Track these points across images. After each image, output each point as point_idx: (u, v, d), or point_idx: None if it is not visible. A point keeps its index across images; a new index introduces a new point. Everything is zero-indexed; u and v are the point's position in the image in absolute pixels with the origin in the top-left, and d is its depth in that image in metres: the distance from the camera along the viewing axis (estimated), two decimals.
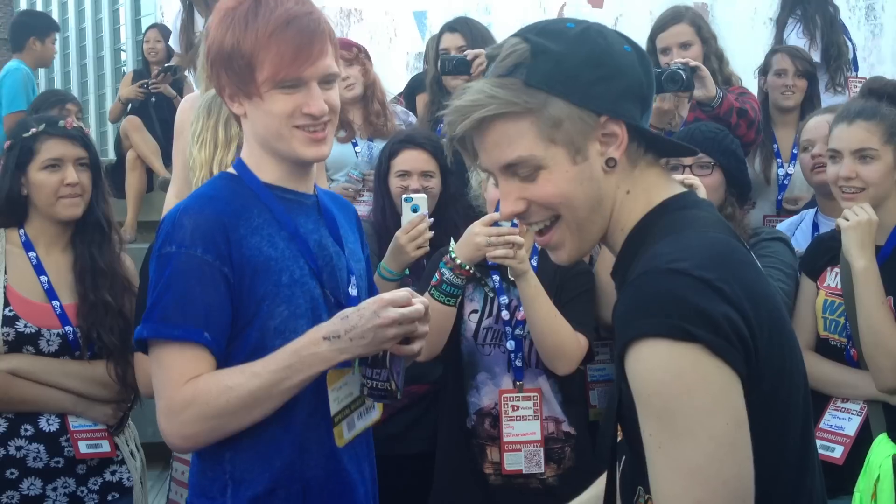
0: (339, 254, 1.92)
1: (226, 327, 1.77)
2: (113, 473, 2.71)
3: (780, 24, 4.83)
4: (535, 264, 2.73)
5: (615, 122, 1.34)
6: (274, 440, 1.80)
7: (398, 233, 2.82)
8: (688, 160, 2.82)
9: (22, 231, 2.71)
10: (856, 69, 4.92)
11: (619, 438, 1.44)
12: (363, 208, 3.75)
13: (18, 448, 2.58)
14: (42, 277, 2.66)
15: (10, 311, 2.59)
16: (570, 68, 1.32)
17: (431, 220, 2.84)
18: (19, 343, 2.59)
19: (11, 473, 2.57)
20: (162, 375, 1.76)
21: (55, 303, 2.65)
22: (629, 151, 1.36)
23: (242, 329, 1.79)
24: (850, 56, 4.84)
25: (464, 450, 2.79)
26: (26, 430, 2.60)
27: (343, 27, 8.50)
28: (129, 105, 6.64)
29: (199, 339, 1.74)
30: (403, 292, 1.80)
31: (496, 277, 2.80)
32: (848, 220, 2.59)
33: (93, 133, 6.35)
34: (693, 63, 3.42)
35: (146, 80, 6.42)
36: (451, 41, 3.96)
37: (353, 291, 1.93)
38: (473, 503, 2.76)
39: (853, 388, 2.63)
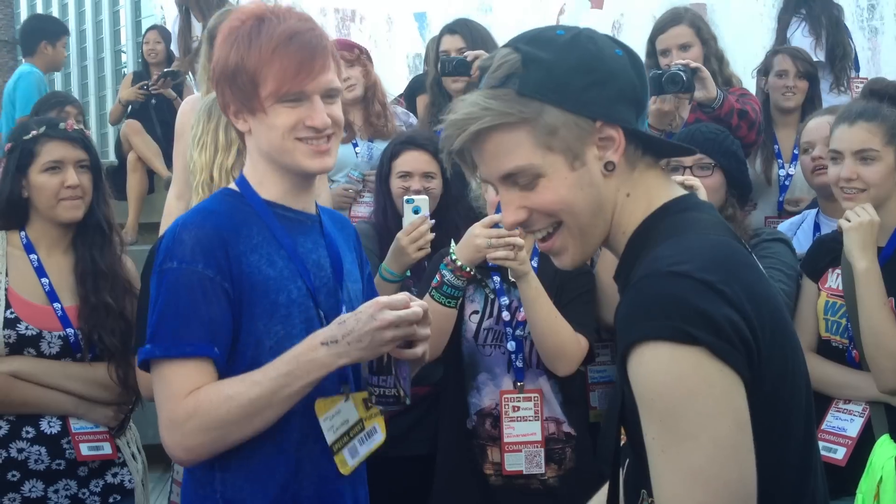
0: (337, 275, 1.93)
1: (228, 341, 1.78)
2: (114, 475, 2.71)
3: (784, 23, 4.82)
4: (535, 265, 2.73)
5: (611, 125, 1.34)
6: (266, 462, 1.80)
7: (399, 234, 2.82)
8: (688, 161, 2.82)
9: (23, 233, 2.71)
10: (857, 70, 4.91)
11: (622, 442, 1.44)
12: (363, 209, 3.76)
13: (20, 450, 2.58)
14: (43, 280, 2.66)
15: (12, 313, 2.60)
16: (562, 75, 1.32)
17: (433, 221, 2.84)
18: (21, 345, 2.59)
19: (13, 476, 2.57)
20: (164, 389, 1.76)
21: (56, 305, 2.65)
22: (627, 154, 1.37)
23: (237, 346, 1.79)
24: (853, 57, 4.83)
25: (464, 450, 2.79)
26: (28, 433, 2.60)
27: (343, 29, 8.51)
28: (130, 107, 6.64)
29: (209, 353, 1.75)
30: (401, 296, 1.80)
31: (497, 278, 2.80)
32: (849, 221, 2.59)
33: (93, 135, 6.35)
34: (694, 64, 3.42)
35: (146, 82, 6.42)
36: (451, 43, 3.96)
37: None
38: None
39: (855, 390, 2.63)
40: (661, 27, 3.89)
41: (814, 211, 3.37)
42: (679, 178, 2.59)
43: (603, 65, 1.34)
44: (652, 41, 3.91)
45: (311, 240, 1.91)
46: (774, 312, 1.30)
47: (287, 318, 1.80)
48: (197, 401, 1.73)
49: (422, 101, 4.54)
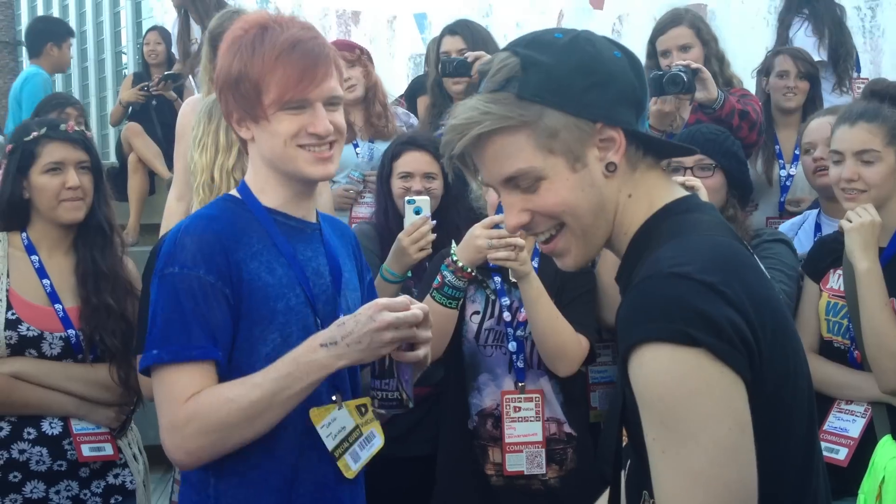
0: (336, 283, 1.93)
1: (229, 346, 1.78)
2: (116, 476, 2.71)
3: (786, 23, 4.80)
4: (535, 265, 2.73)
5: (611, 127, 1.35)
6: (259, 468, 1.80)
7: (400, 235, 2.82)
8: (689, 162, 2.82)
9: (24, 234, 2.71)
10: (858, 71, 4.91)
11: (623, 443, 1.44)
12: (364, 209, 3.76)
13: (21, 451, 2.58)
14: (44, 281, 2.66)
15: (13, 314, 2.60)
16: (562, 78, 1.33)
17: (434, 222, 2.84)
18: (22, 346, 2.60)
19: (14, 477, 2.57)
20: (165, 393, 1.77)
21: (58, 306, 2.65)
22: (628, 155, 1.37)
23: (234, 352, 1.79)
24: (855, 57, 4.83)
25: (466, 451, 2.79)
26: (29, 434, 2.60)
27: (344, 30, 8.51)
28: (130, 108, 6.65)
29: (214, 355, 1.76)
30: (401, 298, 1.81)
31: (497, 279, 2.80)
32: (851, 221, 2.59)
33: (94, 136, 6.36)
34: (694, 65, 3.43)
35: (147, 84, 6.43)
36: (452, 44, 3.96)
37: None
38: None
39: (857, 390, 2.63)
40: (661, 28, 3.90)
41: (815, 211, 3.37)
42: (680, 178, 2.59)
43: (602, 66, 1.34)
44: (652, 42, 3.91)
45: (311, 248, 1.92)
46: (776, 313, 1.30)
47: (285, 325, 1.81)
48: (197, 404, 1.73)
49: (422, 102, 4.54)
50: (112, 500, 2.70)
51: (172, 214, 3.29)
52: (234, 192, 1.95)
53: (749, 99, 3.70)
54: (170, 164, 5.65)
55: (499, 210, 2.63)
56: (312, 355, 1.74)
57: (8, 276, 2.64)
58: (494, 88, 1.35)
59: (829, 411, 2.65)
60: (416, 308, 1.79)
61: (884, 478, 2.32)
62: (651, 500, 1.30)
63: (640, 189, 1.39)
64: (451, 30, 4.03)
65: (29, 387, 2.59)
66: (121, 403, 2.72)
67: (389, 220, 3.12)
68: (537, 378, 2.77)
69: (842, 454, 2.57)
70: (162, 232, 3.47)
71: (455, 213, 3.09)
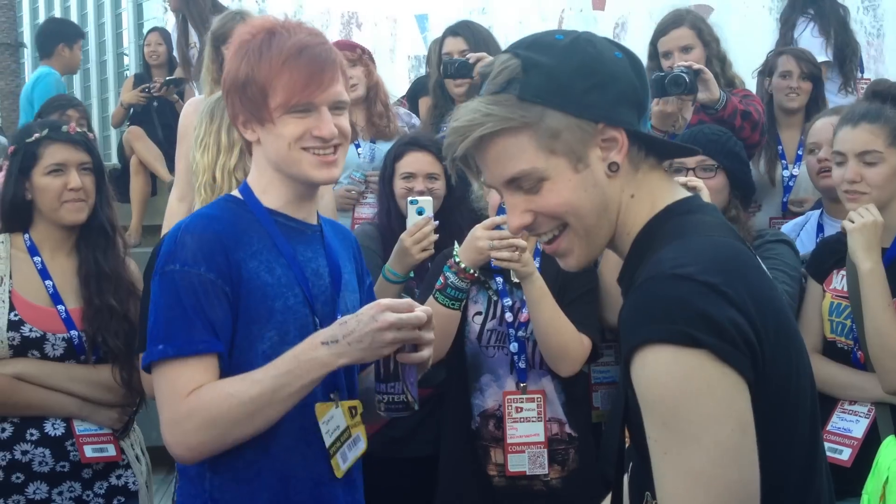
0: (335, 284, 1.94)
1: (229, 343, 1.80)
2: (118, 477, 2.71)
3: (790, 23, 4.79)
4: (537, 265, 2.73)
5: (613, 127, 1.35)
6: (253, 464, 1.81)
7: (403, 235, 2.82)
8: (691, 163, 2.82)
9: (27, 236, 2.71)
10: (861, 71, 4.90)
11: (626, 444, 1.44)
12: (367, 210, 3.76)
13: (24, 452, 2.58)
14: (47, 282, 2.66)
15: (16, 315, 2.60)
16: (563, 79, 1.33)
17: (436, 222, 2.84)
18: (25, 347, 2.60)
19: (17, 478, 2.57)
20: (167, 388, 1.78)
21: (60, 307, 2.65)
22: (630, 155, 1.37)
23: (233, 349, 1.80)
24: (860, 58, 4.82)
25: (468, 451, 2.79)
26: (32, 435, 2.60)
27: (345, 31, 8.51)
28: (132, 109, 6.65)
29: (217, 348, 1.77)
30: (404, 300, 1.81)
31: (499, 279, 2.80)
32: (853, 222, 2.59)
33: (97, 137, 6.37)
34: (696, 66, 3.42)
35: (148, 85, 6.43)
36: (454, 45, 3.96)
37: None
38: None
39: (860, 391, 2.63)
40: (662, 29, 3.90)
41: (817, 212, 3.37)
42: (682, 179, 2.59)
43: (603, 67, 1.34)
44: (654, 43, 3.91)
45: (311, 249, 1.93)
46: (778, 314, 1.30)
47: (283, 323, 1.82)
48: (198, 399, 1.74)
49: (424, 103, 4.54)
50: (115, 501, 2.69)
51: (174, 215, 3.29)
52: (235, 192, 1.96)
53: (751, 99, 3.70)
54: (171, 165, 5.66)
55: (500, 211, 2.63)
56: (313, 353, 1.75)
57: (10, 277, 2.64)
58: (496, 90, 1.35)
59: (832, 412, 2.64)
60: (420, 310, 1.80)
61: (887, 478, 2.32)
62: (653, 501, 1.29)
63: (642, 189, 1.39)
64: (453, 31, 4.03)
65: (32, 388, 2.59)
66: (123, 404, 2.72)
67: (392, 220, 3.12)
68: (539, 378, 2.77)
69: (845, 454, 2.57)
70: (164, 233, 3.47)
71: (458, 214, 3.09)
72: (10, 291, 2.62)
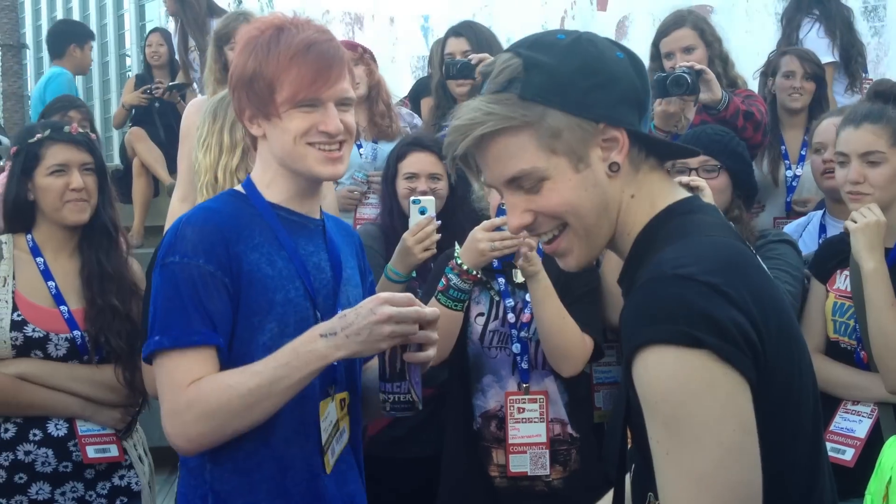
0: (337, 278, 1.95)
1: (229, 334, 1.81)
2: (121, 478, 2.72)
3: (794, 24, 4.77)
4: None
5: (614, 127, 1.35)
6: (253, 455, 1.82)
7: (405, 234, 2.82)
8: (694, 163, 2.82)
9: (29, 237, 2.72)
10: (865, 72, 4.89)
11: (629, 445, 1.44)
12: (369, 211, 3.75)
13: (27, 453, 2.59)
14: (50, 283, 2.67)
15: (19, 315, 2.60)
16: (564, 79, 1.33)
17: (439, 222, 2.84)
18: (28, 347, 2.60)
19: (20, 478, 2.58)
20: (167, 380, 1.79)
21: (63, 307, 2.65)
22: (631, 156, 1.37)
23: (233, 340, 1.81)
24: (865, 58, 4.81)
25: (470, 452, 2.79)
26: (35, 435, 2.60)
27: (347, 32, 8.51)
28: (133, 110, 6.65)
29: (215, 341, 1.78)
30: (403, 294, 1.82)
31: (501, 280, 2.80)
32: (856, 222, 2.58)
33: (100, 138, 6.38)
34: (698, 66, 3.42)
35: (149, 86, 6.44)
36: (456, 45, 3.96)
37: None
38: None
39: (863, 391, 2.63)
40: (664, 30, 3.90)
41: (819, 212, 3.37)
42: (685, 178, 2.59)
43: (605, 67, 1.34)
44: (655, 44, 3.91)
45: (312, 243, 1.94)
46: (780, 314, 1.30)
47: (283, 316, 1.83)
48: (198, 390, 1.75)
49: (426, 104, 4.54)
50: (117, 502, 2.70)
51: (176, 215, 3.28)
52: (238, 187, 1.97)
53: (754, 100, 3.69)
54: (172, 166, 5.66)
55: (499, 212, 2.63)
56: (311, 345, 1.76)
57: (14, 277, 2.64)
58: (497, 89, 1.35)
59: (835, 412, 2.64)
60: (428, 311, 1.81)
61: (891, 478, 2.31)
62: (656, 501, 1.29)
63: (642, 190, 1.38)
64: (456, 31, 4.03)
65: (34, 388, 2.59)
66: (126, 404, 2.73)
67: (394, 220, 3.12)
68: (541, 379, 2.77)
69: (848, 455, 2.57)
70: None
71: (460, 214, 3.09)
72: (13, 292, 2.62)
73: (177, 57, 6.37)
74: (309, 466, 1.86)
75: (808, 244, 3.18)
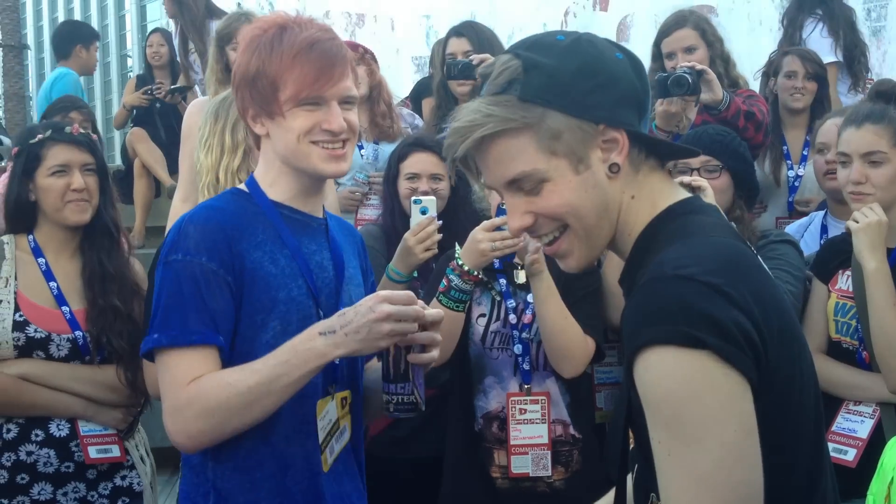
0: (339, 277, 1.95)
1: (231, 333, 1.81)
2: (123, 478, 2.72)
3: (797, 24, 4.76)
4: None
5: (614, 128, 1.34)
6: (254, 453, 1.83)
7: (407, 234, 2.82)
8: (696, 163, 2.81)
9: (31, 237, 2.72)
10: (867, 71, 4.88)
11: (631, 445, 1.44)
12: (370, 212, 3.75)
13: (29, 453, 2.59)
14: (51, 283, 2.67)
15: (21, 316, 2.60)
16: (564, 80, 1.32)
17: (440, 222, 2.84)
18: (30, 348, 2.60)
19: (22, 478, 2.58)
20: (168, 377, 1.79)
21: (65, 308, 2.66)
22: (631, 157, 1.37)
23: (235, 338, 1.82)
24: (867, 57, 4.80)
25: (471, 453, 2.79)
26: (37, 435, 2.60)
27: (349, 32, 8.51)
28: (134, 111, 6.65)
29: (215, 341, 1.78)
30: (404, 292, 1.82)
31: (503, 281, 2.80)
32: (858, 221, 2.58)
33: (102, 138, 6.39)
34: (699, 66, 3.42)
35: (150, 87, 6.44)
36: (458, 46, 3.96)
37: None
38: None
39: (865, 391, 2.63)
40: (665, 30, 3.90)
41: (821, 213, 3.37)
42: (687, 178, 2.59)
43: (604, 68, 1.34)
44: (657, 44, 3.91)
45: (315, 242, 1.94)
46: (781, 314, 1.30)
47: (285, 314, 1.83)
48: (198, 387, 1.75)
49: (427, 104, 4.54)
50: (119, 502, 2.70)
51: (178, 215, 3.28)
52: (241, 185, 1.98)
53: (755, 100, 3.69)
54: (173, 166, 5.67)
55: (499, 212, 2.62)
56: (310, 343, 1.76)
57: (16, 278, 2.65)
58: (496, 91, 1.34)
59: (837, 412, 2.64)
60: (432, 312, 1.81)
61: (892, 479, 2.31)
62: (658, 502, 1.29)
63: (643, 190, 1.38)
64: (457, 31, 4.03)
65: (36, 388, 2.60)
66: (128, 405, 2.73)
67: (396, 220, 3.12)
68: (543, 380, 2.76)
69: (850, 455, 2.56)
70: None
71: (462, 215, 3.09)
72: (15, 292, 2.63)
73: (178, 58, 6.37)
74: (309, 465, 1.87)
75: (810, 245, 3.17)
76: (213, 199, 1.98)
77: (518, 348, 2.75)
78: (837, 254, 2.76)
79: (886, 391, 2.56)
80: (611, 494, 1.59)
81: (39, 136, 2.71)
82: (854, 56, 4.64)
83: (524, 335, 2.75)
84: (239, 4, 8.64)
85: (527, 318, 2.75)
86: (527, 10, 7.51)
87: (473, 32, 3.99)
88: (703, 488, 1.19)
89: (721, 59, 3.83)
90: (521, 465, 2.72)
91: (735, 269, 1.27)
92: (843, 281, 2.72)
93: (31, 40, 16.02)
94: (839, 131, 2.76)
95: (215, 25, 5.20)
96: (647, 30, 6.24)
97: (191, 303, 1.77)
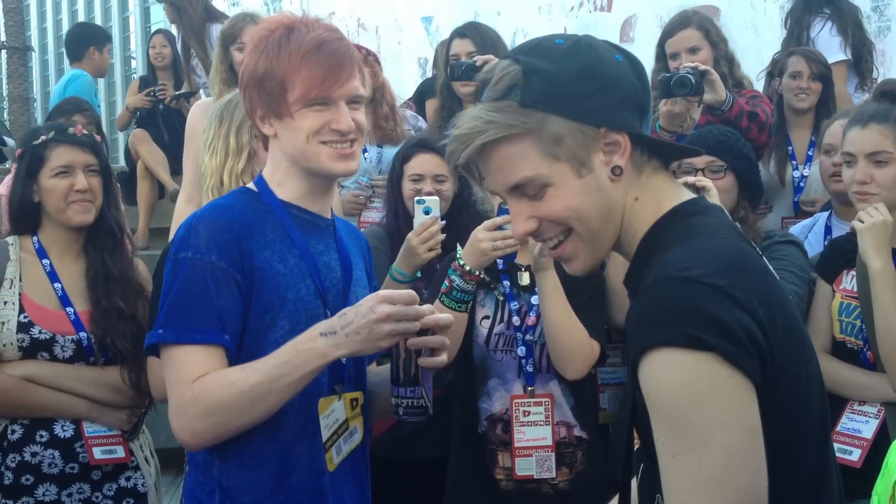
0: (347, 278, 1.96)
1: (238, 331, 1.82)
2: (127, 479, 2.72)
3: (804, 24, 4.74)
4: None
5: (616, 131, 1.34)
6: (260, 451, 1.83)
7: (410, 234, 2.82)
8: (700, 163, 2.81)
9: (35, 238, 2.72)
10: (874, 70, 4.87)
11: (636, 446, 1.43)
12: (374, 215, 3.75)
13: (34, 454, 2.59)
14: (56, 284, 2.67)
15: (25, 317, 2.61)
16: (564, 84, 1.32)
17: (443, 222, 2.84)
18: (34, 349, 2.61)
19: (27, 479, 2.58)
20: (174, 374, 1.80)
21: (69, 309, 2.66)
22: (633, 158, 1.36)
23: (244, 336, 1.82)
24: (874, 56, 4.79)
25: (475, 455, 2.78)
26: (41, 437, 2.61)
27: (351, 34, 8.52)
28: (137, 113, 6.66)
29: (220, 341, 1.79)
30: (404, 291, 1.82)
31: (506, 283, 2.80)
32: (863, 221, 2.58)
33: (107, 139, 6.39)
34: (702, 67, 3.42)
35: (153, 88, 6.44)
36: (461, 47, 3.96)
37: None
38: None
39: (870, 391, 2.62)
40: (669, 31, 3.90)
41: (825, 214, 3.36)
42: (691, 178, 2.59)
43: (604, 71, 1.34)
44: (661, 45, 3.91)
45: (323, 242, 1.95)
46: (787, 316, 1.30)
47: (294, 314, 1.84)
48: (202, 386, 1.76)
49: (431, 105, 4.54)
50: (124, 503, 2.70)
51: (182, 216, 3.29)
52: (250, 185, 1.98)
53: (759, 100, 3.68)
54: (176, 167, 5.67)
55: (500, 211, 2.62)
56: (311, 343, 1.76)
57: (20, 279, 2.65)
58: (497, 97, 1.34)
59: (841, 412, 2.63)
60: (442, 317, 1.81)
61: None
62: (663, 503, 1.29)
63: (646, 192, 1.38)
64: (461, 33, 4.03)
65: (41, 389, 2.60)
66: (132, 406, 2.73)
67: (400, 221, 3.12)
68: (547, 382, 2.76)
69: (855, 455, 2.56)
70: (171, 235, 3.48)
71: (466, 215, 3.08)
72: (19, 294, 2.63)
73: (181, 62, 6.38)
74: (315, 464, 1.87)
75: (814, 245, 3.17)
76: (223, 197, 1.99)
77: (522, 350, 2.75)
78: (842, 253, 2.75)
79: (891, 391, 2.56)
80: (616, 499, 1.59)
81: (43, 137, 2.71)
82: (861, 55, 4.64)
83: (528, 337, 2.75)
84: (235, 5, 8.66)
85: (530, 320, 2.75)
86: (529, 11, 7.51)
87: (477, 33, 3.99)
88: (706, 491, 1.19)
89: (725, 60, 3.83)
90: (526, 468, 2.72)
91: (740, 270, 1.27)
92: (848, 281, 2.72)
93: (34, 42, 16.08)
94: (844, 131, 2.76)
95: (215, 29, 5.21)
96: (650, 30, 6.23)
97: (198, 301, 1.78)
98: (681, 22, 3.88)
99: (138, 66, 15.36)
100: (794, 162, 3.92)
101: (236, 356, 1.81)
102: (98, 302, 2.67)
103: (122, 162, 7.25)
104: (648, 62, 3.75)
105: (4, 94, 8.79)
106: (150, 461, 2.80)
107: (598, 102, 1.33)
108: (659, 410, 1.23)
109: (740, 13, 6.47)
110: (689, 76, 3.30)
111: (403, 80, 7.40)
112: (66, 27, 16.81)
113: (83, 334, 2.65)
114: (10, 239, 2.73)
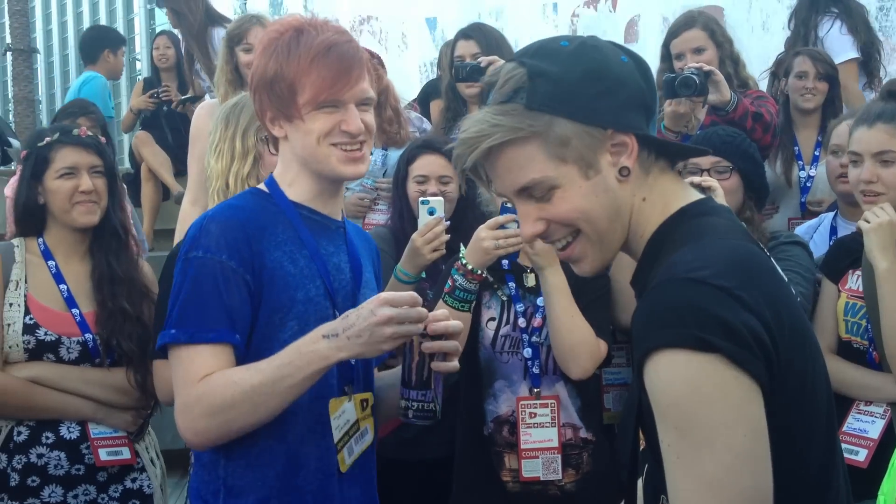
0: (356, 280, 1.96)
1: (247, 331, 1.82)
2: (133, 481, 2.72)
3: (811, 24, 4.73)
4: None
5: (623, 132, 1.34)
6: (267, 451, 1.84)
7: (414, 235, 2.82)
8: (706, 164, 2.81)
9: (41, 240, 2.73)
10: (882, 69, 4.85)
11: (641, 447, 1.43)
12: (378, 217, 3.75)
13: (40, 455, 2.60)
14: (61, 286, 2.68)
15: (31, 319, 2.61)
16: (570, 86, 1.33)
17: (448, 222, 2.84)
18: (40, 351, 2.61)
19: (33, 481, 2.58)
20: (181, 374, 1.81)
21: (75, 311, 2.66)
22: (640, 159, 1.37)
23: (252, 336, 1.83)
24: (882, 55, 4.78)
25: (481, 457, 2.78)
26: (47, 438, 2.61)
27: (355, 35, 8.51)
28: (141, 114, 6.67)
29: (231, 339, 1.79)
30: (407, 293, 1.82)
31: (512, 285, 2.79)
32: (869, 221, 2.57)
33: (113, 141, 6.40)
34: (707, 67, 3.41)
35: (156, 90, 6.45)
36: (466, 48, 3.96)
37: None
38: None
39: (876, 391, 2.61)
40: (674, 31, 3.90)
41: (830, 214, 3.36)
42: (697, 178, 2.59)
43: (610, 72, 1.34)
44: (666, 45, 3.91)
45: (333, 244, 1.95)
46: (793, 316, 1.29)
47: (304, 314, 1.84)
48: (206, 385, 1.77)
49: (436, 106, 4.54)
50: None
51: (187, 219, 3.30)
52: (261, 185, 1.99)
53: (764, 101, 3.68)
54: (180, 169, 5.68)
55: (503, 210, 2.62)
56: (314, 345, 1.76)
57: (26, 281, 2.65)
58: (503, 100, 1.35)
59: (848, 412, 2.63)
60: (453, 323, 1.82)
61: None
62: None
63: (654, 192, 1.39)
64: (465, 34, 4.03)
65: (47, 391, 2.60)
66: (138, 407, 2.73)
67: (405, 223, 3.12)
68: (553, 384, 2.76)
69: (861, 455, 2.55)
70: (177, 237, 3.48)
71: (471, 216, 3.08)
72: (25, 295, 2.63)
73: (184, 66, 6.39)
74: (322, 465, 1.87)
75: (819, 246, 3.16)
76: (234, 198, 2.00)
77: (528, 352, 2.74)
78: (847, 253, 2.75)
79: None
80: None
81: (47, 139, 2.72)
82: (870, 54, 4.63)
83: (534, 339, 2.75)
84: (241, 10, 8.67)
85: (536, 321, 2.75)
86: (534, 12, 7.51)
87: (481, 35, 3.99)
88: (711, 493, 1.19)
89: (730, 60, 3.82)
90: (532, 469, 2.71)
91: (747, 271, 1.27)
92: (854, 281, 2.71)
93: (40, 44, 16.09)
94: (850, 131, 2.75)
95: (217, 32, 5.22)
96: (655, 31, 6.23)
97: (209, 300, 1.78)
98: (686, 22, 3.87)
99: (143, 68, 15.38)
100: (800, 162, 3.91)
101: (245, 355, 1.81)
102: (104, 303, 2.68)
103: (126, 164, 7.25)
104: (653, 63, 3.75)
105: (10, 97, 8.80)
106: (156, 462, 2.81)
107: (605, 104, 1.33)
108: (664, 411, 1.23)
109: (746, 13, 6.46)
110: (694, 76, 3.30)
111: (408, 82, 7.39)
112: (71, 29, 16.80)
113: (89, 336, 2.65)
114: (15, 241, 2.73)
